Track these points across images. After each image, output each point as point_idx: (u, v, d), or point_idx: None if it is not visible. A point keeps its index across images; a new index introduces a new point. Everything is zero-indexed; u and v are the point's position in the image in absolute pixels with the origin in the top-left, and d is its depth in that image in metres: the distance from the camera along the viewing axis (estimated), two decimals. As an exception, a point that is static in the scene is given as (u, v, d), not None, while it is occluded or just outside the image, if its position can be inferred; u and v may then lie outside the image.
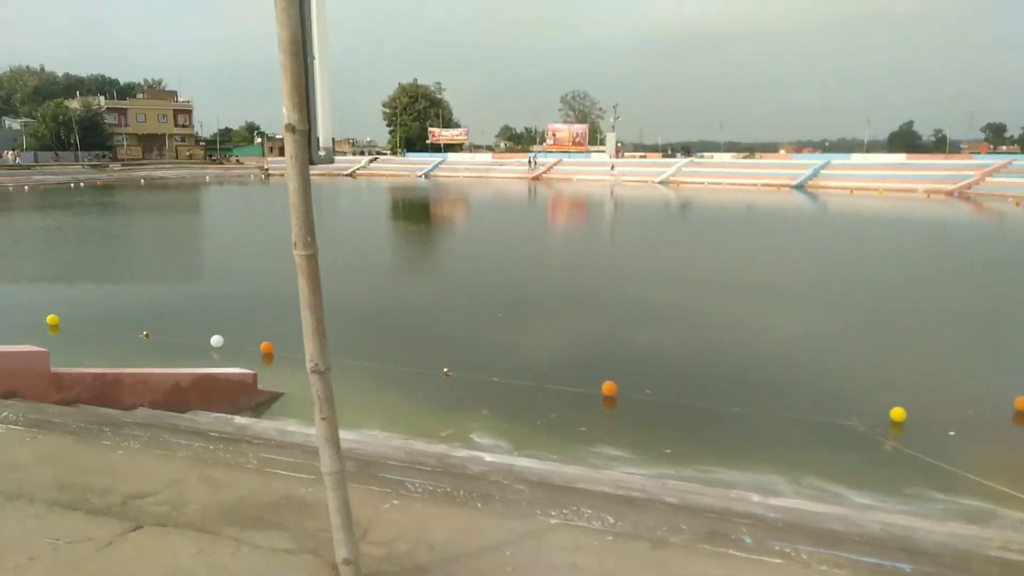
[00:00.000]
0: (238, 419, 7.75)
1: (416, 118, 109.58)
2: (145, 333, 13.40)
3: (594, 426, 9.07)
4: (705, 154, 78.58)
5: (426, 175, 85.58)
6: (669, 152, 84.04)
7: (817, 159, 67.62)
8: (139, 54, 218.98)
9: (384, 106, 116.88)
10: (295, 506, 2.87)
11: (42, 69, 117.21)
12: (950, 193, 51.39)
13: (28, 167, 76.29)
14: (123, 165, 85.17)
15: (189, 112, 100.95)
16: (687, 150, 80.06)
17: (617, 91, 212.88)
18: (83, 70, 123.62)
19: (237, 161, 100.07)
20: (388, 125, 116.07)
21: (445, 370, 11.07)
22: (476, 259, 24.03)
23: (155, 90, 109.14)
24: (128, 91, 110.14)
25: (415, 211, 47.49)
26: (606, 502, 4.60)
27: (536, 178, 76.83)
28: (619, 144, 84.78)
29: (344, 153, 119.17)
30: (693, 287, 18.33)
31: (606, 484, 5.09)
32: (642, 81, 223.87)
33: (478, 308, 16.00)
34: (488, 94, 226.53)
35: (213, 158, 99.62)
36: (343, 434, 7.91)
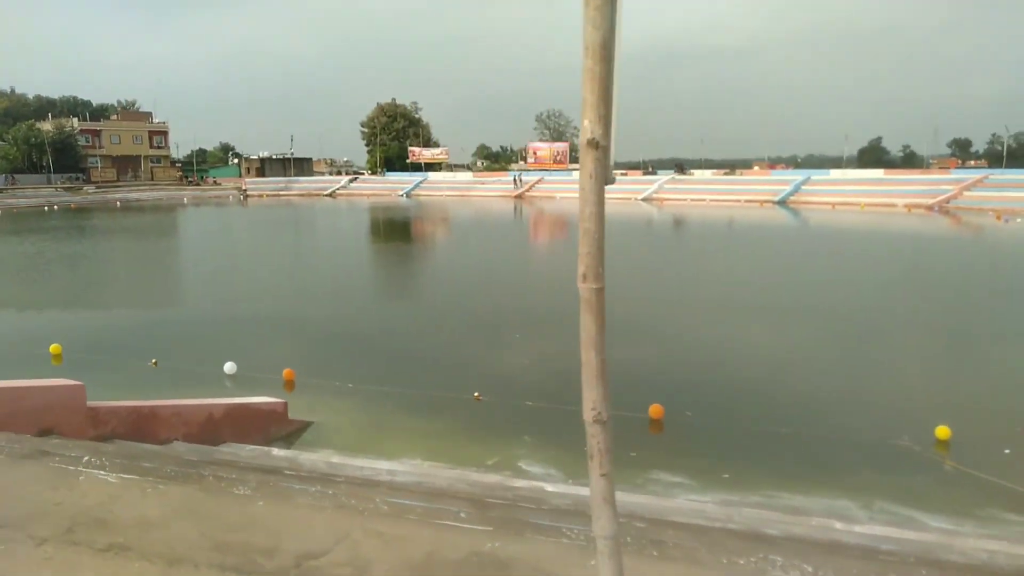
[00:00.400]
0: (309, 455, 7.36)
1: (395, 137, 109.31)
2: (154, 361, 12.93)
3: (644, 451, 8.81)
4: (687, 171, 79.30)
5: (408, 194, 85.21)
6: (650, 169, 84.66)
7: (797, 175, 68.51)
8: (109, 76, 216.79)
9: (363, 125, 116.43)
10: (493, 564, 2.57)
11: (12, 91, 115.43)
12: (930, 207, 52.29)
13: (1, 190, 74.68)
14: (97, 187, 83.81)
15: (165, 133, 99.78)
16: (680, 167, 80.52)
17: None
18: (54, 91, 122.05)
19: (214, 182, 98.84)
20: (367, 144, 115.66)
21: (476, 395, 10.76)
22: (481, 279, 23.71)
23: (129, 111, 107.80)
24: (101, 112, 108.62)
25: (407, 231, 47.10)
26: (770, 547, 4.31)
27: (519, 196, 76.89)
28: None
29: (322, 173, 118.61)
30: (711, 307, 18.17)
31: (718, 519, 4.83)
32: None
33: (494, 329, 15.71)
34: (462, 113, 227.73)
35: (190, 180, 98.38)
36: (406, 467, 7.57)
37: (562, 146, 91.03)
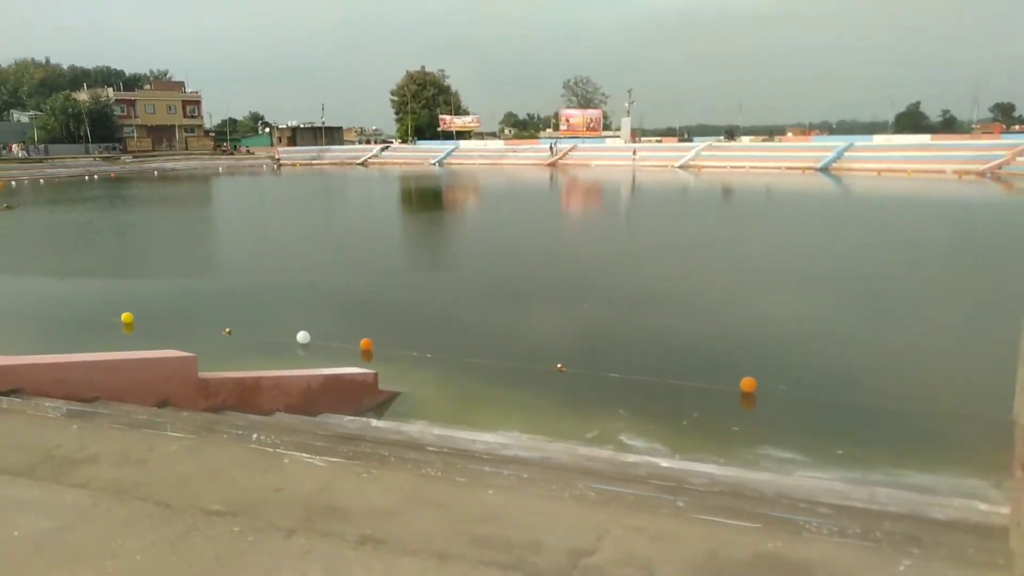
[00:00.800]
0: (440, 430, 7.25)
1: (425, 106, 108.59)
2: (227, 330, 12.95)
3: (744, 425, 8.62)
4: (723, 137, 77.65)
5: (440, 163, 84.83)
6: (686, 136, 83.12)
7: (840, 141, 66.74)
8: (137, 46, 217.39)
9: (392, 94, 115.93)
10: (789, 567, 2.36)
11: (47, 61, 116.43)
12: (981, 174, 50.66)
13: (39, 160, 75.67)
14: (134, 157, 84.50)
15: (198, 103, 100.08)
16: (730, 133, 78.55)
17: (616, 76, 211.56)
18: (87, 62, 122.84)
19: (247, 151, 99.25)
20: (396, 113, 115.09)
21: (558, 366, 10.61)
22: (537, 249, 23.35)
23: (162, 81, 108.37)
24: (134, 82, 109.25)
25: (452, 200, 46.70)
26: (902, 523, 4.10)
27: (552, 164, 76.09)
28: (634, 129, 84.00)
29: (352, 142, 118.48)
30: (786, 278, 17.76)
31: (859, 500, 4.61)
32: (641, 66, 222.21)
33: (560, 300, 15.50)
34: (487, 81, 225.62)
35: (224, 149, 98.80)
36: (516, 438, 7.42)
37: (595, 113, 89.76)
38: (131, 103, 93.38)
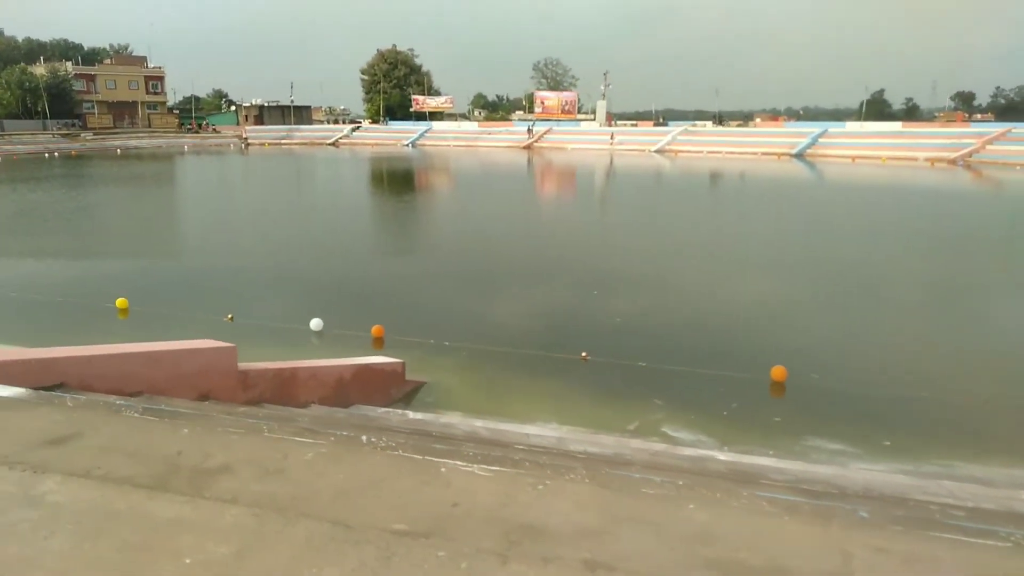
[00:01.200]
0: (485, 422, 6.96)
1: (396, 85, 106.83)
2: (230, 316, 12.46)
3: (784, 415, 8.49)
4: (698, 123, 77.97)
5: (412, 144, 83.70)
6: (661, 120, 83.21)
7: (814, 127, 67.44)
8: (94, 18, 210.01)
9: (362, 72, 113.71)
10: None
11: (1, 33, 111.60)
12: (953, 161, 51.63)
13: (-5, 136, 72.77)
14: (95, 134, 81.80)
15: (161, 79, 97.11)
16: (719, 118, 78.77)
17: (584, 59, 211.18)
18: (41, 34, 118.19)
19: (214, 130, 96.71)
20: (366, 93, 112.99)
21: (583, 355, 10.39)
22: (545, 234, 22.87)
23: (123, 56, 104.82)
24: (94, 56, 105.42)
25: (437, 183, 45.85)
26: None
27: (528, 147, 75.58)
28: (609, 112, 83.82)
29: (321, 122, 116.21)
30: (802, 266, 17.71)
31: (942, 495, 4.48)
32: (609, 50, 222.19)
33: (569, 285, 15.25)
34: (455, 61, 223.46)
35: (189, 127, 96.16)
36: (543, 430, 7.19)
37: (571, 96, 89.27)
38: (91, 78, 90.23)
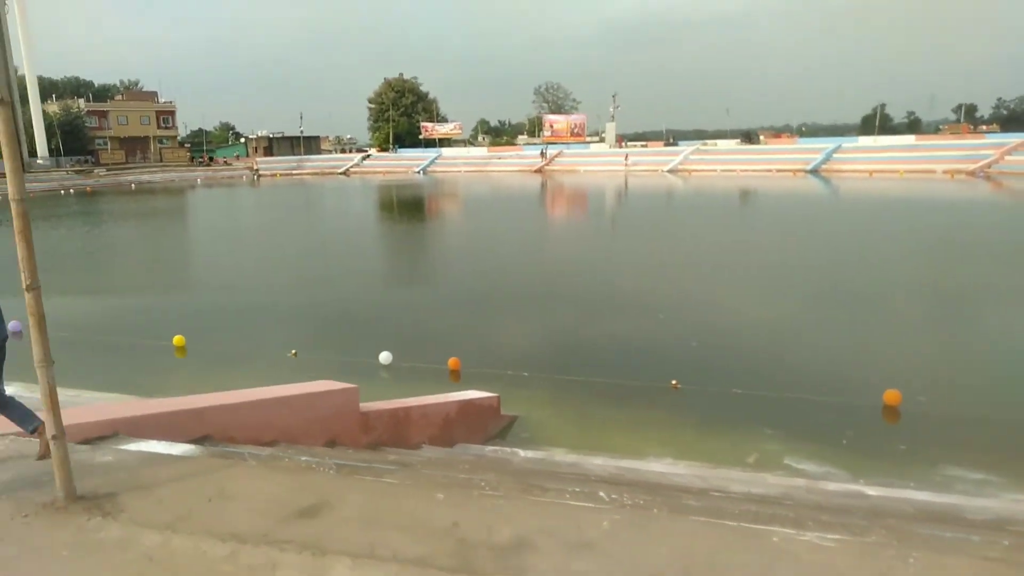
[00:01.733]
0: (615, 461, 6.59)
1: (404, 113, 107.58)
2: (294, 352, 12.14)
3: (909, 443, 8.10)
4: (709, 142, 78.04)
5: (424, 171, 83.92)
6: (671, 140, 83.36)
7: (828, 143, 67.35)
8: (103, 56, 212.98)
9: (370, 102, 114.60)
10: None
11: (16, 71, 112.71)
12: (972, 173, 51.38)
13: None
14: (108, 170, 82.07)
15: (172, 113, 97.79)
16: (749, 136, 78.60)
17: (585, 84, 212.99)
18: (52, 73, 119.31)
19: (224, 162, 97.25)
20: (374, 121, 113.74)
21: (673, 382, 10.03)
22: (585, 259, 22.32)
23: (134, 91, 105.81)
24: (104, 93, 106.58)
25: (466, 210, 45.04)
26: None
27: (539, 171, 75.67)
28: (619, 134, 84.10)
29: (330, 151, 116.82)
30: (878, 282, 17.18)
31: None
32: (608, 72, 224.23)
33: (634, 310, 14.90)
34: (456, 88, 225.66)
35: (200, 160, 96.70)
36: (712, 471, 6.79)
37: (579, 118, 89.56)
38: (103, 114, 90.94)
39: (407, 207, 47.12)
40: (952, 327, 13.15)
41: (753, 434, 8.37)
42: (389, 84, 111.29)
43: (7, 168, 2.96)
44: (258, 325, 14.91)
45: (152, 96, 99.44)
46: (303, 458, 3.94)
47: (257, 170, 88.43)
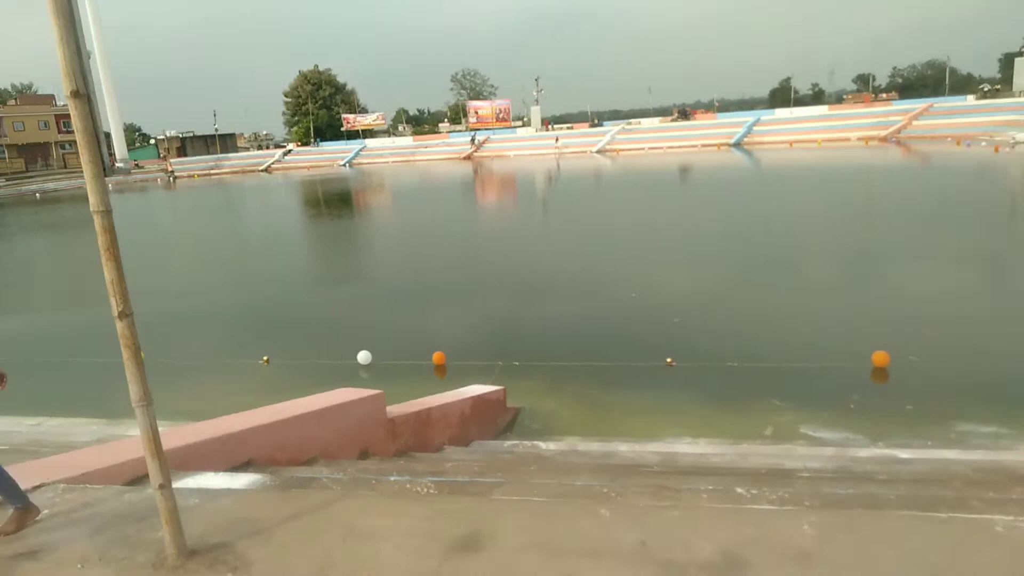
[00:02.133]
0: (643, 446, 6.41)
1: (322, 106, 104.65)
2: (265, 359, 11.54)
3: (916, 403, 8.25)
4: (633, 121, 79.08)
5: (348, 163, 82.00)
6: (596, 121, 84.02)
7: (748, 116, 69.34)
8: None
9: (286, 95, 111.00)
10: None
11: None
12: (884, 139, 53.84)
13: None
14: (7, 180, 76.88)
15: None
16: (684, 113, 79.52)
17: (500, 68, 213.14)
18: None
19: (136, 165, 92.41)
20: (292, 115, 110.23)
21: (668, 360, 9.98)
22: (547, 244, 21.78)
23: (29, 95, 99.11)
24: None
25: (406, 200, 43.86)
26: None
27: (468, 157, 75.06)
28: (544, 117, 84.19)
29: (246, 148, 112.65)
30: (842, 247, 17.57)
31: None
32: (520, 58, 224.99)
33: (606, 290, 14.83)
34: (368, 78, 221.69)
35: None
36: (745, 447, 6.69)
37: (505, 103, 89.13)
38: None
39: (338, 202, 45.71)
40: (920, 286, 13.57)
41: (762, 406, 8.38)
42: (305, 77, 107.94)
43: (87, 174, 2.52)
44: (218, 333, 14.15)
45: (50, 99, 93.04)
46: (392, 477, 3.59)
47: (172, 172, 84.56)
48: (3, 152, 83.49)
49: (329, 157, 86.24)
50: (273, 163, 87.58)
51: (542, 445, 7.24)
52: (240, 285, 18.89)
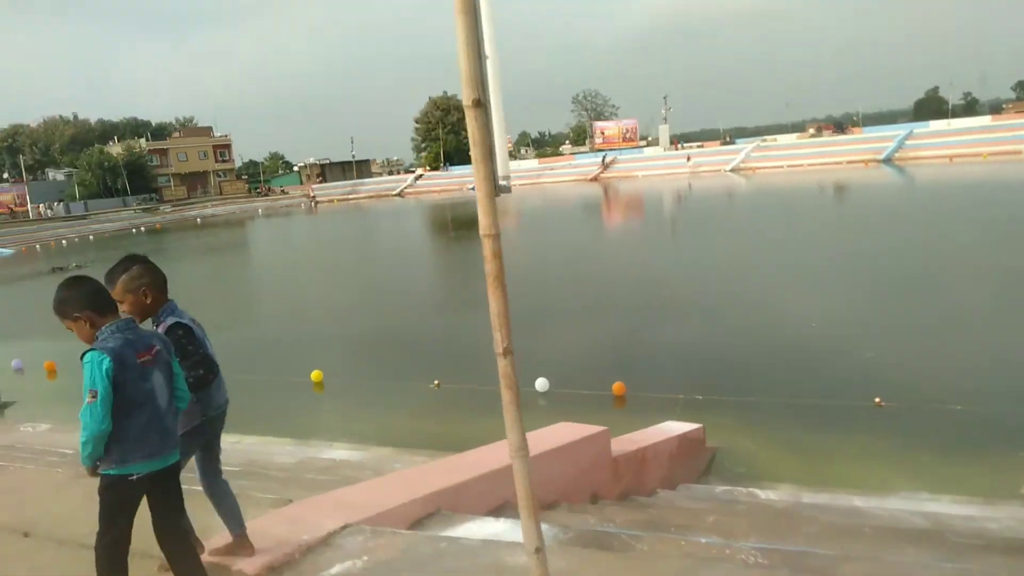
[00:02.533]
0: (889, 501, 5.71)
1: (451, 131, 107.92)
2: (436, 382, 11.54)
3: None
4: (768, 137, 76.00)
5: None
6: (728, 139, 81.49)
7: (898, 130, 64.82)
8: (153, 95, 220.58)
9: (416, 121, 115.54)
10: None
11: (75, 117, 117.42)
12: (1066, 150, 48.62)
13: (82, 216, 75.55)
14: (172, 206, 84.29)
15: (228, 146, 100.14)
16: (841, 126, 75.95)
17: (620, 88, 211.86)
18: (111, 115, 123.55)
19: (282, 191, 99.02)
20: (421, 140, 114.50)
21: (877, 400, 9.04)
22: (720, 269, 19.91)
23: (190, 128, 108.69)
24: (162, 131, 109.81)
25: (543, 225, 42.89)
26: None
27: (594, 179, 74.72)
28: (673, 136, 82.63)
29: (380, 174, 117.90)
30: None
31: None
32: (638, 75, 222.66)
33: (788, 317, 13.92)
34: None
35: (258, 191, 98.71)
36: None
37: (631, 123, 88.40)
38: (163, 152, 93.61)
39: (475, 225, 46.14)
40: None
41: (1009, 459, 7.35)
42: (434, 103, 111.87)
43: (480, 193, 2.33)
44: (387, 354, 14.35)
45: (208, 131, 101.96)
46: (703, 540, 3.21)
47: (314, 197, 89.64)
48: (169, 181, 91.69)
49: (458, 181, 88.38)
50: (406, 187, 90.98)
51: (760, 494, 6.64)
52: (400, 308, 19.06)
